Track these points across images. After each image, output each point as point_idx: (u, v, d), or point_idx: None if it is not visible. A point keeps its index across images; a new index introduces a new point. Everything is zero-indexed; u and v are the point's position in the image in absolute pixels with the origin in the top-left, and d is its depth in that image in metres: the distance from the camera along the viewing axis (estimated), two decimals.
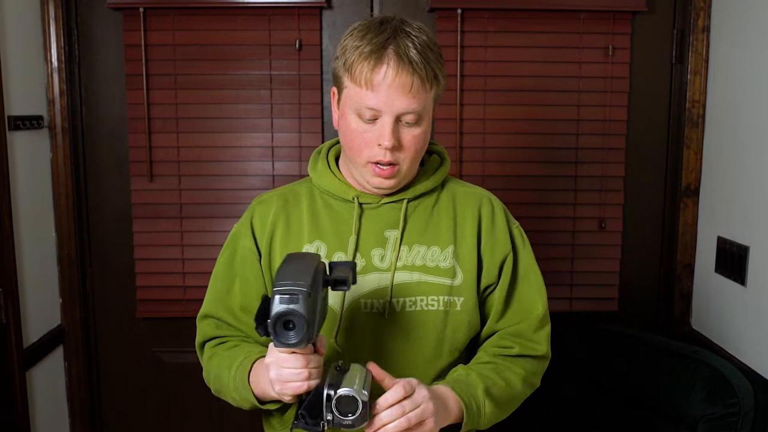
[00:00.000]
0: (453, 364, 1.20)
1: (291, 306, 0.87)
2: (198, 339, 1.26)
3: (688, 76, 2.04)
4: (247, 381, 1.11)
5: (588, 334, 1.93)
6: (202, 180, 2.07)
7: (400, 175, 1.15)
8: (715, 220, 1.98)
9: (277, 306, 0.87)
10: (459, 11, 1.99)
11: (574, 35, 2.03)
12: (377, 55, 1.07)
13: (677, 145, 2.09)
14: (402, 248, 1.18)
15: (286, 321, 0.87)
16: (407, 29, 1.10)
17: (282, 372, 0.98)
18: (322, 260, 1.01)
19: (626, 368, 1.74)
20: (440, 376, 1.19)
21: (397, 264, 1.17)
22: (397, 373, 1.11)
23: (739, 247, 1.82)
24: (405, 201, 1.19)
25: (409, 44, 1.08)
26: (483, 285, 1.22)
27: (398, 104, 1.08)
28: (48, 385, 2.04)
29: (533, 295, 1.24)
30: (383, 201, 1.20)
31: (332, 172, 1.23)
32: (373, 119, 1.10)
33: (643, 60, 2.08)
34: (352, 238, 1.17)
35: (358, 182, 1.20)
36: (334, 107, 1.19)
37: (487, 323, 1.24)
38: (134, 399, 2.21)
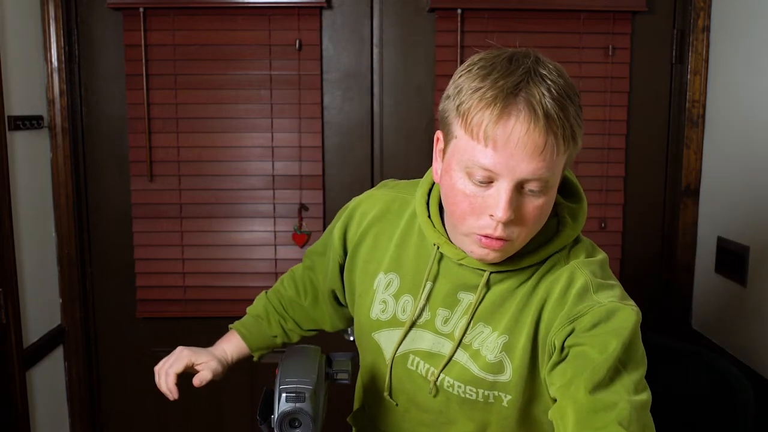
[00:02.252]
0: None
1: (298, 405, 0.88)
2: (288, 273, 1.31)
3: (688, 76, 2.04)
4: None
5: None
6: (202, 180, 2.07)
7: (510, 251, 0.91)
8: (715, 220, 1.98)
9: (284, 405, 0.88)
10: (459, 11, 2.00)
11: (574, 35, 2.03)
12: (504, 104, 0.82)
13: (677, 145, 2.09)
14: (465, 319, 0.98)
15: (292, 419, 0.89)
16: (543, 71, 0.86)
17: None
18: (322, 354, 1.01)
19: None
20: None
21: (457, 334, 0.98)
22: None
23: (739, 247, 1.82)
24: (487, 273, 0.95)
25: (546, 93, 0.83)
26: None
27: (523, 168, 0.83)
28: (48, 385, 2.04)
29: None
30: (462, 262, 0.96)
31: (430, 217, 1.01)
32: (488, 182, 0.85)
33: (643, 60, 2.08)
34: (428, 285, 1.00)
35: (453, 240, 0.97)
36: (437, 156, 0.94)
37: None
38: (134, 399, 2.21)
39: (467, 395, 0.98)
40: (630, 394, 0.85)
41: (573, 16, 2.02)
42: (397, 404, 1.05)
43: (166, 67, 2.03)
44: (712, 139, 2.01)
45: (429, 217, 1.00)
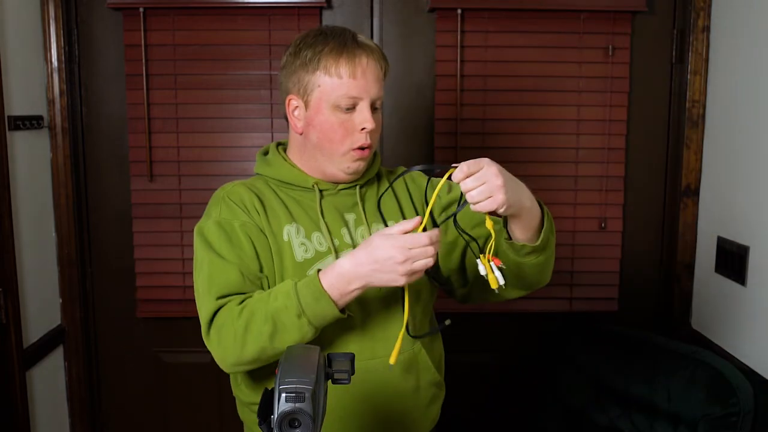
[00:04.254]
0: (427, 321, 1.35)
1: (297, 405, 0.88)
2: (205, 314, 1.20)
3: (688, 76, 2.04)
4: (321, 288, 1.12)
5: (588, 334, 1.93)
6: (202, 180, 2.07)
7: (369, 158, 1.28)
8: (715, 220, 1.98)
9: (284, 405, 0.88)
10: (459, 11, 2.00)
11: (574, 35, 2.03)
12: (351, 48, 1.21)
13: (677, 145, 2.09)
14: (362, 228, 1.29)
15: (292, 419, 0.89)
16: (356, 34, 1.25)
17: (412, 252, 1.08)
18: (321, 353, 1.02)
19: (626, 368, 1.74)
20: (421, 315, 1.32)
21: (361, 241, 1.23)
22: (386, 333, 1.25)
23: (739, 247, 1.82)
24: (357, 186, 1.31)
25: (364, 40, 1.24)
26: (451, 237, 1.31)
27: (373, 90, 1.22)
28: (48, 385, 2.04)
29: None
30: (339, 188, 1.30)
31: (289, 164, 1.31)
32: (352, 107, 1.22)
33: (643, 60, 2.08)
34: (322, 221, 1.26)
35: (317, 171, 1.29)
36: (294, 115, 1.27)
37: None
38: (134, 399, 2.21)
39: None
40: None
41: (573, 16, 2.02)
42: (349, 314, 1.20)
43: (166, 67, 2.03)
44: (712, 139, 2.01)
45: (298, 169, 1.30)
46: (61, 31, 2.01)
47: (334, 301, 1.12)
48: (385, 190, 1.34)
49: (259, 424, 0.95)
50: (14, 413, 1.81)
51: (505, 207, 1.09)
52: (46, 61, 2.01)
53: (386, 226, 1.28)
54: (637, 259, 2.15)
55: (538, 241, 1.18)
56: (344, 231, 1.28)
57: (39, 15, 1.98)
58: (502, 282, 1.14)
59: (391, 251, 1.08)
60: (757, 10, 1.76)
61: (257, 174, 1.36)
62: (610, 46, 2.03)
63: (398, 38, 2.07)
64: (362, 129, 1.22)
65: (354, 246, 1.26)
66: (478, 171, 1.08)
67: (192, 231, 2.07)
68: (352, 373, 1.03)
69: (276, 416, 0.89)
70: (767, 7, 1.72)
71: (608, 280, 2.13)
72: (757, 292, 1.75)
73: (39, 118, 1.97)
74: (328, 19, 2.05)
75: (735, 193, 1.86)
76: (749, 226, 1.78)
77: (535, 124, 2.07)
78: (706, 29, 2.01)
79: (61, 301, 2.10)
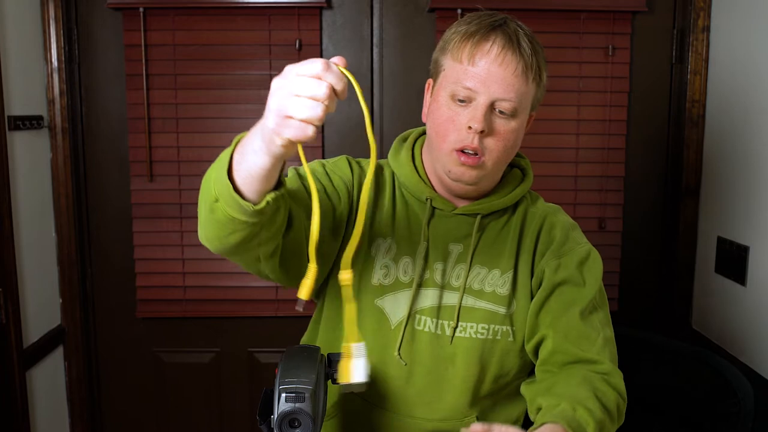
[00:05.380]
0: (495, 391, 1.13)
1: (297, 405, 0.88)
2: None
3: (688, 76, 2.04)
4: (229, 154, 0.85)
5: None
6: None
7: (484, 170, 1.05)
8: (715, 220, 1.98)
9: (284, 405, 0.89)
10: (459, 11, 1.99)
11: (574, 35, 2.03)
12: (484, 32, 1.02)
13: (677, 145, 2.09)
14: (461, 267, 1.10)
15: (292, 419, 0.89)
16: (518, 22, 1.07)
17: (294, 90, 0.76)
18: (321, 353, 1.01)
19: (626, 368, 1.73)
20: (479, 402, 1.13)
21: (454, 283, 1.09)
22: (438, 395, 1.10)
23: (739, 247, 1.82)
24: (479, 217, 1.10)
25: (519, 30, 1.04)
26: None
27: (496, 87, 1.01)
28: (48, 385, 2.04)
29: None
30: (456, 211, 1.11)
31: (414, 165, 1.13)
32: (467, 101, 1.02)
33: (643, 60, 2.08)
34: (422, 246, 1.09)
35: (438, 180, 1.11)
36: (426, 98, 1.12)
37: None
38: (134, 399, 2.21)
39: (479, 335, 1.09)
40: (604, 328, 1.07)
41: (573, 16, 2.02)
42: (405, 363, 1.09)
43: (166, 67, 2.03)
44: (712, 139, 2.01)
45: (418, 175, 1.12)
46: (61, 31, 2.01)
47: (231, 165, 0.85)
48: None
49: (259, 424, 0.95)
50: (14, 413, 1.81)
51: None
52: (46, 61, 2.01)
53: (488, 273, 1.09)
54: (637, 258, 2.15)
55: None
56: (439, 265, 1.09)
57: (39, 15, 1.98)
58: (355, 379, 0.86)
59: (271, 95, 0.78)
60: (757, 10, 1.76)
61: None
62: (610, 46, 2.03)
63: (398, 38, 2.07)
64: (469, 128, 1.01)
65: (443, 286, 1.09)
66: None
67: (192, 231, 2.09)
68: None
69: (276, 416, 0.89)
70: (767, 7, 1.72)
71: (608, 280, 2.13)
72: (757, 292, 1.75)
73: (39, 118, 1.97)
74: (328, 19, 2.05)
75: (735, 193, 1.86)
76: (749, 226, 1.78)
77: (535, 124, 2.05)
78: (706, 29, 2.01)
79: (61, 301, 2.10)
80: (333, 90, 0.78)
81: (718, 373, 1.51)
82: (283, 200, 0.91)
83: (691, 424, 1.52)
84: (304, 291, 0.83)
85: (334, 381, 1.00)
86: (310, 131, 0.76)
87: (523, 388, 1.12)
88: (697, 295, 2.09)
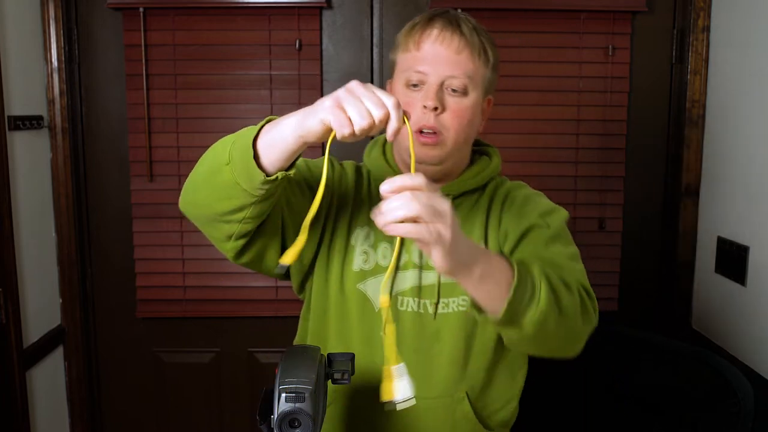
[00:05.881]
0: (484, 365, 1.17)
1: (297, 405, 0.89)
2: None
3: (688, 76, 2.04)
4: (261, 124, 0.96)
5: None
6: None
7: (444, 148, 1.09)
8: (715, 220, 1.98)
9: (284, 405, 0.89)
10: (459, 11, 1.99)
11: (574, 35, 2.03)
12: (426, 21, 1.10)
13: (677, 145, 2.09)
14: None
15: (292, 419, 0.89)
16: (460, 13, 1.14)
17: (362, 96, 0.86)
18: (321, 353, 1.01)
19: (626, 368, 1.74)
20: (468, 377, 1.16)
21: (431, 262, 1.10)
22: (426, 372, 1.14)
23: (739, 247, 1.82)
24: (450, 197, 1.13)
25: (461, 16, 1.12)
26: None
27: (443, 67, 1.07)
28: (48, 385, 2.04)
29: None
30: None
31: (386, 158, 1.20)
32: (420, 84, 1.08)
33: (643, 60, 2.08)
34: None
35: (406, 166, 1.16)
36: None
37: None
38: (134, 399, 2.21)
39: (460, 308, 1.13)
40: (574, 261, 1.12)
41: (573, 16, 2.02)
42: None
43: (166, 67, 2.03)
44: (712, 139, 2.01)
45: (389, 167, 1.19)
46: (61, 31, 2.01)
47: (256, 151, 0.94)
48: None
49: (259, 424, 0.95)
50: (14, 413, 1.81)
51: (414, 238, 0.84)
52: (46, 61, 2.01)
53: None
54: (637, 259, 2.15)
55: (500, 315, 0.92)
56: (416, 247, 1.13)
57: (39, 15, 1.98)
58: (400, 397, 0.88)
59: (332, 96, 0.87)
60: (757, 10, 1.76)
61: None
62: (610, 46, 2.03)
63: None
64: (423, 107, 1.07)
65: (422, 267, 1.14)
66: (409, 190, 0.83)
67: (192, 231, 2.09)
68: (352, 373, 1.02)
69: (276, 416, 0.89)
70: (767, 7, 1.72)
71: (608, 280, 2.13)
72: (757, 292, 1.75)
73: (39, 118, 1.97)
74: (328, 19, 2.05)
75: (735, 193, 1.86)
76: (749, 226, 1.78)
77: (535, 124, 2.07)
78: (706, 29, 2.01)
79: (61, 301, 2.10)
80: (386, 120, 0.87)
81: (718, 373, 1.51)
82: (287, 185, 1.00)
83: (691, 424, 1.52)
84: (289, 257, 0.90)
85: (334, 381, 1.00)
86: (346, 130, 0.85)
87: None
88: (697, 295, 2.09)
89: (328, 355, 1.02)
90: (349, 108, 0.85)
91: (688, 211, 2.08)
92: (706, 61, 2.02)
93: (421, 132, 1.08)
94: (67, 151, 2.05)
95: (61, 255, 2.08)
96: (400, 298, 1.15)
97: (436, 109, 1.07)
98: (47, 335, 2.02)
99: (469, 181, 1.18)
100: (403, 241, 1.10)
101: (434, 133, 1.08)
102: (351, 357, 1.03)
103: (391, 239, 1.14)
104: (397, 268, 1.14)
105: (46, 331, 2.02)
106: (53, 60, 2.01)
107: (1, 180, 1.73)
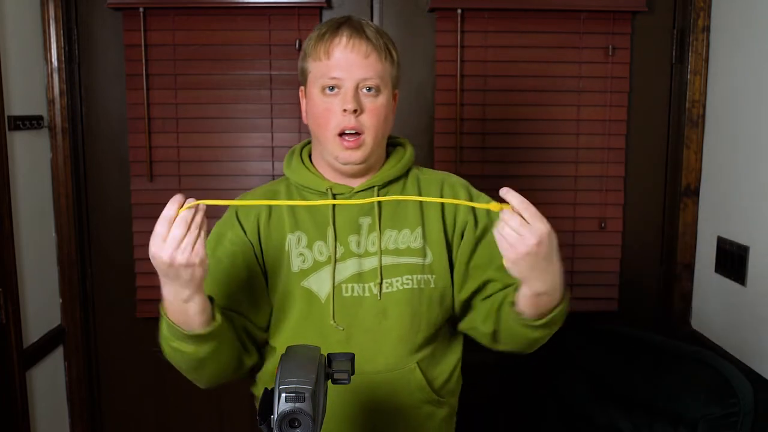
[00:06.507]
0: (429, 339, 1.26)
1: (297, 405, 0.88)
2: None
3: (688, 76, 2.04)
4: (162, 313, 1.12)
5: (588, 334, 1.93)
6: (202, 180, 2.07)
7: (366, 148, 1.20)
8: (715, 220, 1.98)
9: (284, 405, 0.89)
10: (459, 11, 1.99)
11: (574, 35, 2.03)
12: (333, 30, 1.19)
13: (677, 145, 2.09)
14: (374, 235, 1.24)
15: (292, 419, 0.89)
16: (361, 20, 1.23)
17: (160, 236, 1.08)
18: (322, 353, 1.02)
19: (626, 368, 1.74)
20: (417, 350, 1.25)
21: (371, 249, 1.23)
22: (377, 348, 1.22)
23: (739, 247, 1.82)
24: (375, 188, 1.25)
25: (363, 22, 1.21)
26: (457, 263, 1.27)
27: (356, 71, 1.17)
28: (48, 385, 2.04)
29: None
30: (355, 190, 1.25)
31: (306, 167, 1.28)
32: (336, 89, 1.18)
33: (643, 60, 2.08)
34: (330, 228, 1.22)
35: (331, 170, 1.25)
36: (302, 104, 1.27)
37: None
38: (134, 399, 2.21)
39: (405, 286, 1.23)
40: None
41: (573, 16, 2.02)
42: (342, 329, 1.22)
43: (166, 67, 2.03)
44: (712, 139, 2.01)
45: (312, 173, 1.27)
46: (61, 31, 2.01)
47: (170, 319, 1.11)
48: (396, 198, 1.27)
49: (259, 424, 0.95)
50: (14, 413, 1.81)
51: (517, 272, 1.05)
52: (46, 61, 2.01)
53: (399, 234, 1.24)
54: (637, 259, 2.15)
55: (539, 322, 1.14)
56: (353, 238, 1.23)
57: (39, 15, 1.98)
58: None
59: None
60: (757, 10, 1.76)
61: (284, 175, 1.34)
62: (610, 46, 2.03)
63: (398, 38, 2.05)
64: (344, 111, 1.16)
65: (361, 255, 1.23)
66: (531, 217, 1.00)
67: None
68: (352, 373, 1.03)
69: (276, 416, 0.89)
70: (767, 7, 1.72)
71: (608, 280, 2.13)
72: (757, 292, 1.75)
73: (39, 118, 1.97)
74: (328, 18, 2.05)
75: (735, 193, 1.86)
76: (749, 226, 1.78)
77: (535, 124, 2.07)
78: (706, 29, 2.01)
79: (61, 301, 2.10)
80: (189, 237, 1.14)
81: (718, 373, 1.51)
82: (224, 328, 1.14)
83: (690, 424, 1.52)
84: None
85: (334, 381, 1.00)
86: (183, 254, 1.13)
87: (482, 302, 1.27)
88: (697, 295, 2.09)
89: (328, 355, 1.02)
90: (172, 252, 1.11)
91: (688, 211, 2.08)
92: (706, 61, 2.02)
93: (342, 135, 1.18)
94: (67, 151, 2.05)
95: (61, 255, 2.08)
96: (343, 285, 1.22)
97: (355, 111, 1.16)
98: (47, 335, 2.02)
99: (391, 170, 1.27)
100: (337, 236, 1.22)
101: (357, 133, 1.18)
102: (351, 357, 1.03)
103: (324, 237, 1.23)
104: (335, 259, 1.22)
105: (46, 331, 2.02)
106: (53, 60, 2.01)
107: (1, 180, 1.73)
